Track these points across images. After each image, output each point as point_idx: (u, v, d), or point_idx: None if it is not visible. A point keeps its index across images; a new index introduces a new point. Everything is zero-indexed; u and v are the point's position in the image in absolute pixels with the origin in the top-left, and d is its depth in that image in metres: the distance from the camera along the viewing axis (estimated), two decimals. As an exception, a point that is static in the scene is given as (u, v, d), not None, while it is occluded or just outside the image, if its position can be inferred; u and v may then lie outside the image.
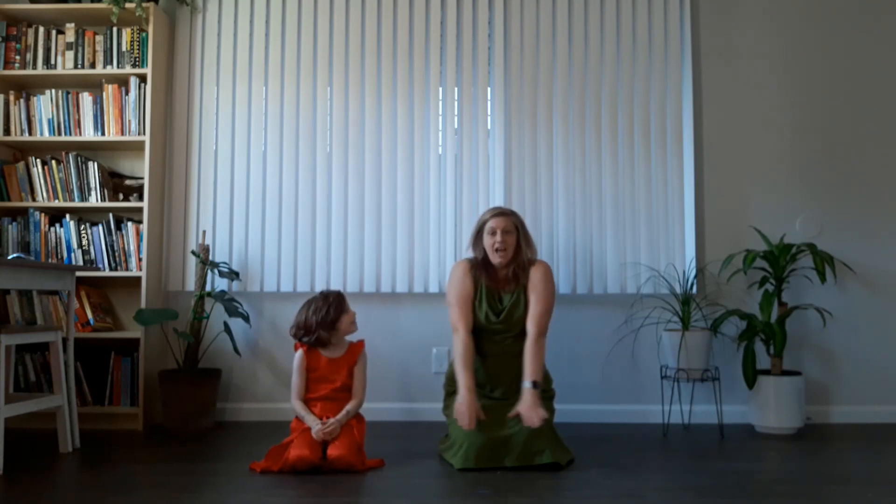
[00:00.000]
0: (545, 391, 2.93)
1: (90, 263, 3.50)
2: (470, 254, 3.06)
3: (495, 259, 2.93)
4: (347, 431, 2.71)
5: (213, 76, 3.75)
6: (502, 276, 2.97)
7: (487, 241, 2.95)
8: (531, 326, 2.86)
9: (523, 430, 2.65)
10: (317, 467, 2.59)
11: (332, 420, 2.71)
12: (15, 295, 3.43)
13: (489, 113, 3.72)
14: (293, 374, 2.86)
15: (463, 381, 2.76)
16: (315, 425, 2.68)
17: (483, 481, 2.48)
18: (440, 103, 3.73)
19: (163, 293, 3.71)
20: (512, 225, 2.95)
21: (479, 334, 2.93)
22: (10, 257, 3.03)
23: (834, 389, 3.64)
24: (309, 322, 2.84)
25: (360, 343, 2.92)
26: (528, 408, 2.67)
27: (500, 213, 2.97)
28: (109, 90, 3.56)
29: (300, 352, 2.86)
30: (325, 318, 2.82)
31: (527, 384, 2.75)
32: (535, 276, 2.94)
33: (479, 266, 2.99)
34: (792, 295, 3.60)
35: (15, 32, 3.58)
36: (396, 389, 3.66)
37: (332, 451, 2.61)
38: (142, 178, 3.60)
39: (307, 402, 2.82)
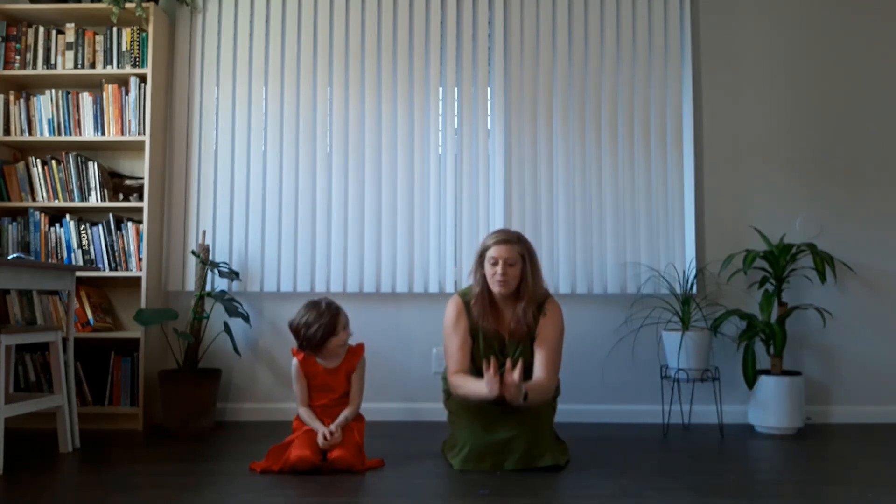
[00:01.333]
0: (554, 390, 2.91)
1: (90, 263, 3.51)
2: (470, 280, 2.84)
3: (495, 289, 2.72)
4: (348, 432, 2.70)
5: (213, 76, 3.75)
6: (508, 316, 2.76)
7: (488, 269, 2.73)
8: (542, 373, 2.68)
9: (524, 433, 2.64)
10: (317, 467, 2.58)
11: (332, 427, 2.66)
12: (15, 295, 3.43)
13: (489, 113, 3.72)
14: (293, 383, 2.83)
15: (476, 384, 2.60)
16: (321, 430, 2.65)
17: (483, 482, 2.48)
18: (440, 103, 3.73)
19: (163, 293, 3.71)
20: (517, 255, 2.70)
21: (478, 371, 2.78)
22: (10, 257, 3.03)
23: (834, 389, 3.64)
24: (299, 332, 2.76)
25: (360, 347, 2.86)
26: (510, 388, 2.47)
27: (505, 240, 2.72)
28: (109, 90, 3.56)
29: (295, 361, 2.81)
30: (314, 336, 2.73)
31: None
32: (546, 326, 2.73)
33: (479, 302, 2.75)
34: (792, 295, 3.60)
35: (15, 32, 3.58)
36: (396, 389, 3.66)
37: (333, 452, 2.61)
38: (142, 178, 3.60)
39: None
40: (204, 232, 3.63)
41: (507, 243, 2.70)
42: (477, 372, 2.78)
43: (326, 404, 2.78)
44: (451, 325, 2.77)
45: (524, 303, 2.72)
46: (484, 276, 2.75)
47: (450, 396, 2.89)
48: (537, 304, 2.77)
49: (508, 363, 2.51)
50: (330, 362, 2.80)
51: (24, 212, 3.55)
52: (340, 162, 3.70)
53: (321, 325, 2.73)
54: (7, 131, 3.57)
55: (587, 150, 3.69)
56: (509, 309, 2.77)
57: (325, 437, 2.63)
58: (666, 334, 3.45)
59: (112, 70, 3.56)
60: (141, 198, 3.57)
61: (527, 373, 2.75)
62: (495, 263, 2.70)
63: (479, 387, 2.56)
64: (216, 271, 3.58)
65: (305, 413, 2.76)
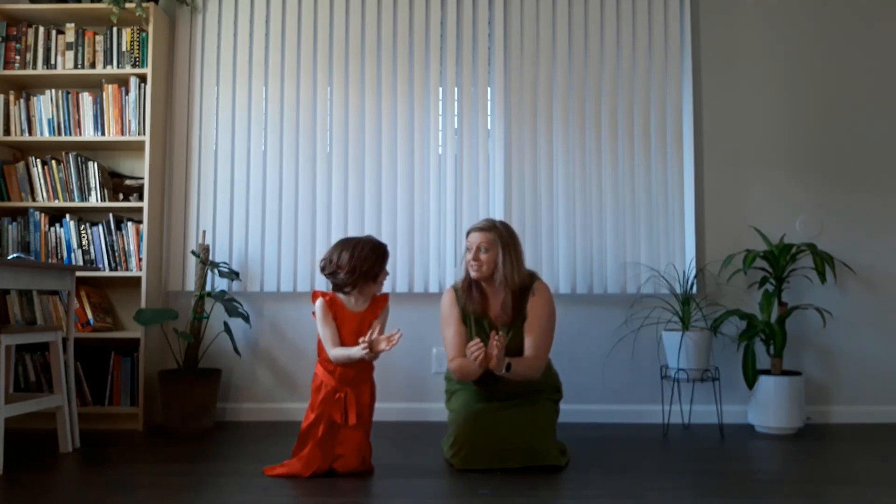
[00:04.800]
0: (556, 392, 2.92)
1: (90, 263, 3.51)
2: (461, 267, 2.90)
3: (472, 274, 2.80)
4: (351, 443, 2.59)
5: (213, 76, 3.75)
6: (496, 303, 2.81)
7: (466, 256, 2.82)
8: (528, 352, 2.74)
9: (525, 433, 2.64)
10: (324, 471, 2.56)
11: (366, 338, 2.47)
12: (15, 295, 3.43)
13: (489, 113, 3.72)
14: (321, 326, 2.59)
15: (469, 362, 2.60)
16: (360, 351, 2.47)
17: (483, 481, 2.48)
18: (440, 103, 3.73)
19: (163, 293, 3.71)
20: (490, 241, 2.77)
21: None
22: (10, 257, 3.04)
23: (834, 389, 3.64)
24: (353, 265, 2.55)
25: (385, 296, 2.70)
26: (494, 352, 2.53)
27: (480, 228, 2.81)
28: (109, 90, 3.56)
29: (321, 301, 2.60)
30: (370, 270, 2.57)
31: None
32: (535, 306, 2.79)
33: (468, 290, 2.83)
34: (792, 295, 3.60)
35: (15, 32, 3.58)
36: (396, 389, 3.66)
37: (338, 462, 2.57)
38: (142, 178, 3.60)
39: (324, 364, 2.60)
40: (204, 232, 3.63)
41: (481, 230, 2.81)
42: None
43: (353, 374, 2.59)
44: (446, 315, 2.86)
45: (499, 287, 2.78)
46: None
47: (451, 397, 2.89)
48: (521, 287, 2.82)
49: (493, 334, 2.59)
50: (358, 305, 2.64)
51: (24, 212, 3.55)
52: (340, 162, 3.70)
53: (378, 259, 2.60)
54: (7, 131, 3.57)
55: (587, 151, 3.69)
56: (496, 294, 2.83)
57: (368, 349, 2.46)
58: (666, 334, 3.44)
59: (112, 70, 3.56)
60: (141, 198, 3.57)
61: (518, 354, 2.77)
62: (469, 250, 2.81)
63: (470, 362, 2.62)
64: (216, 271, 3.57)
65: (340, 350, 2.54)
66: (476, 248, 2.79)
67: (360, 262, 2.58)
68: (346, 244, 2.64)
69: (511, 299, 2.80)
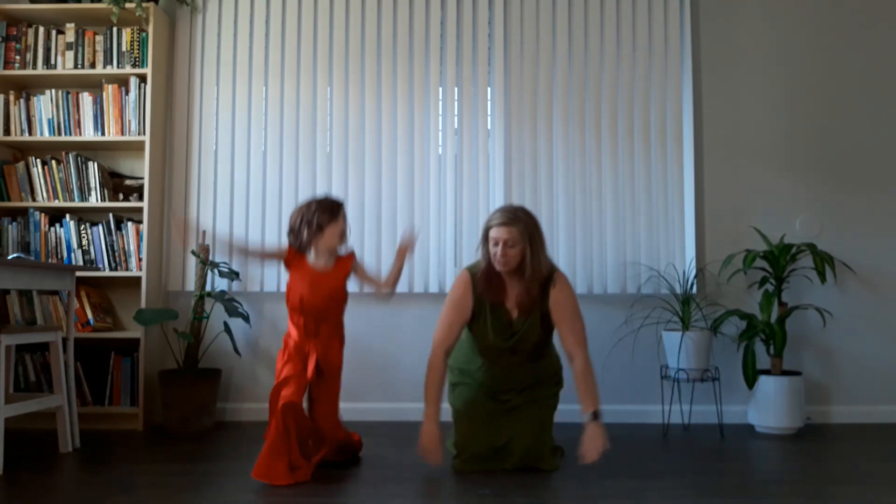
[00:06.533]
0: (555, 375, 2.85)
1: (90, 263, 3.50)
2: (478, 254, 2.82)
3: (497, 266, 2.66)
4: (325, 413, 2.61)
5: (213, 76, 3.75)
6: (514, 292, 2.70)
7: (491, 249, 2.66)
8: (576, 350, 2.64)
9: (524, 436, 2.63)
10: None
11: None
12: (15, 295, 3.43)
13: (489, 113, 3.72)
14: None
15: (427, 409, 2.59)
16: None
17: (483, 481, 2.48)
18: (440, 103, 3.73)
19: (163, 293, 3.71)
20: (517, 235, 2.62)
21: (484, 350, 2.75)
22: (10, 257, 3.04)
23: (834, 389, 3.64)
24: (294, 220, 2.62)
25: (350, 254, 2.70)
26: (590, 439, 2.51)
27: (506, 221, 2.63)
28: (109, 90, 3.56)
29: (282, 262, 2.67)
30: (312, 220, 2.57)
31: (587, 416, 2.55)
32: (559, 298, 2.67)
33: (485, 277, 2.70)
34: (792, 295, 3.61)
35: (15, 32, 3.58)
36: (397, 389, 3.66)
37: (322, 456, 2.58)
38: (142, 178, 3.60)
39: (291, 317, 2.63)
40: (204, 232, 3.63)
41: (507, 225, 2.62)
42: (479, 351, 2.75)
43: (318, 329, 2.60)
44: (454, 299, 2.73)
45: (527, 281, 2.67)
46: (488, 253, 2.71)
47: (455, 389, 2.83)
48: (544, 277, 2.70)
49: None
50: (320, 260, 2.61)
51: (24, 212, 3.55)
52: (340, 162, 3.70)
53: (322, 205, 2.59)
54: (7, 131, 3.57)
55: (587, 150, 3.69)
56: (515, 283, 2.71)
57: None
58: (666, 334, 3.45)
59: (112, 70, 3.56)
60: (141, 198, 3.57)
61: (535, 349, 2.72)
62: (496, 244, 2.64)
63: (434, 398, 2.62)
64: (216, 271, 3.57)
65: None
66: (503, 243, 2.64)
67: (300, 215, 2.60)
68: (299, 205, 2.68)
69: (535, 288, 2.68)
